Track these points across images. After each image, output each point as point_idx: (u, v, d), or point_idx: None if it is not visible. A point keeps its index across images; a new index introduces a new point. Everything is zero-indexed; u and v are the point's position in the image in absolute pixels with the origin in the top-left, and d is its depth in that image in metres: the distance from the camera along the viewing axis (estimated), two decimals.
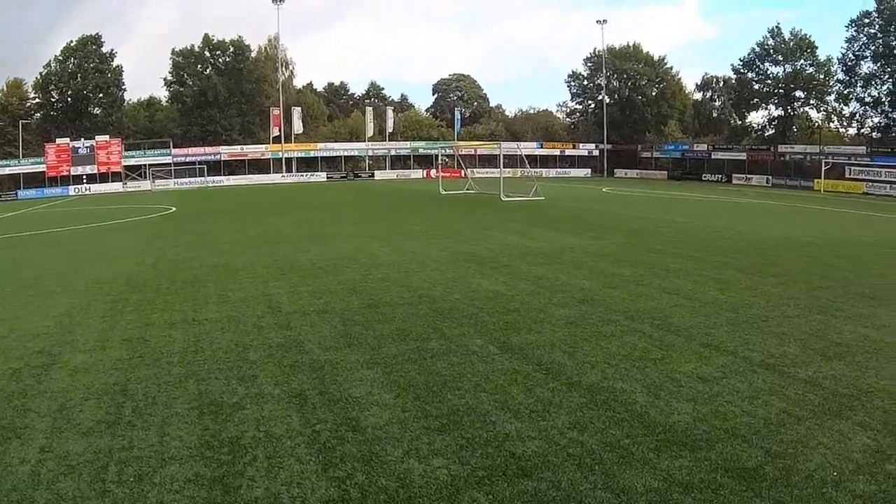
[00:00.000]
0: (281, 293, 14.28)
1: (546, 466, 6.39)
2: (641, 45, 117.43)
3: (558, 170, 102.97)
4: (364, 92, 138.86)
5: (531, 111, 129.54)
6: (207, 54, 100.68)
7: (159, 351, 10.29)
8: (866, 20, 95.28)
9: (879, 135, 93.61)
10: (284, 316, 12.26)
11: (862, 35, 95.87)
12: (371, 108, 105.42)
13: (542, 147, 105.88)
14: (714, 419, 7.51)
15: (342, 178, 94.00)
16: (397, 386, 8.51)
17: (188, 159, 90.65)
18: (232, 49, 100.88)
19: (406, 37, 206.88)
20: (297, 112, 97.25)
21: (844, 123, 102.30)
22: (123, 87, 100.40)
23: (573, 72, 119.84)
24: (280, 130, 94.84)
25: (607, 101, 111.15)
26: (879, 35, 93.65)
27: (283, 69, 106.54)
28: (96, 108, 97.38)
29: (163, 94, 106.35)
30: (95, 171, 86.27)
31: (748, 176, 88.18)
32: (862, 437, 7.09)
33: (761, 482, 6.10)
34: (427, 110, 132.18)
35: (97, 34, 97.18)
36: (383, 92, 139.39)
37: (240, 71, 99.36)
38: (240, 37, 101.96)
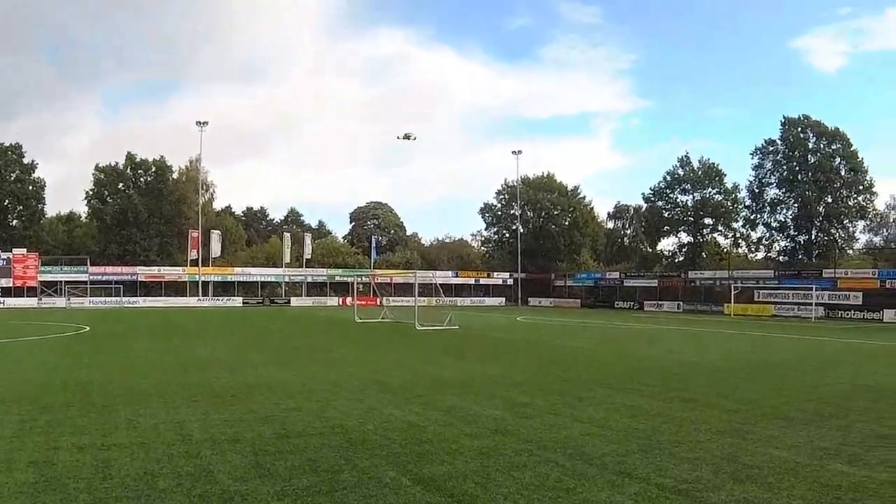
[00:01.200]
0: (192, 420, 14.07)
1: None
2: (555, 175, 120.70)
3: (473, 298, 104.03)
4: (283, 217, 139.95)
5: (447, 240, 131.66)
6: (129, 172, 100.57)
7: (66, 476, 10.04)
8: (771, 148, 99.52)
9: (786, 258, 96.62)
10: (195, 444, 12.07)
11: (767, 162, 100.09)
12: (289, 233, 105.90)
13: (457, 276, 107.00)
14: None
15: (258, 303, 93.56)
16: None
17: (105, 278, 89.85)
18: (154, 168, 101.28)
19: (325, 166, 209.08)
20: (215, 235, 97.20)
21: (752, 248, 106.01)
22: (44, 200, 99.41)
23: (486, 203, 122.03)
24: (198, 253, 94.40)
25: (521, 230, 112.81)
26: (783, 161, 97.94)
27: (204, 191, 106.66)
28: (14, 220, 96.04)
29: (83, 209, 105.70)
30: (10, 285, 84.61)
31: (660, 302, 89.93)
32: None
33: None
34: (344, 237, 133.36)
35: (17, 143, 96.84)
36: (301, 218, 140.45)
37: (160, 191, 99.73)
38: (162, 157, 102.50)
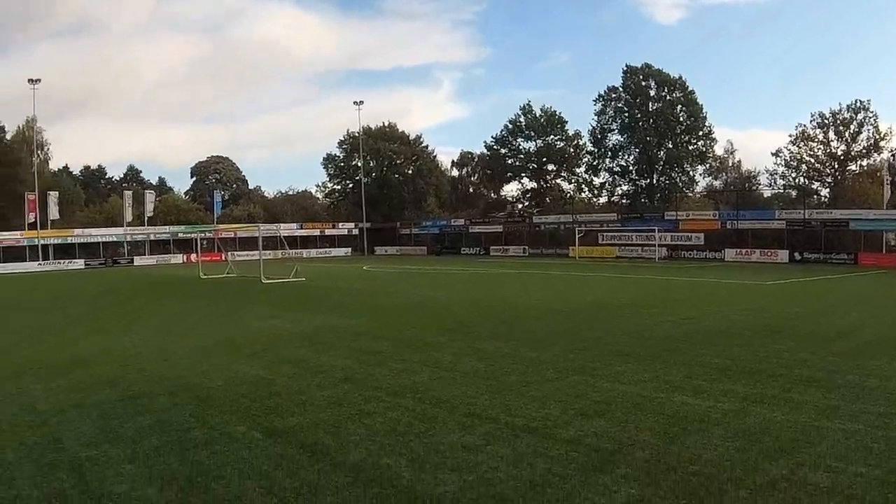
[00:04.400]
0: (36, 390, 13.77)
1: None
2: (397, 125, 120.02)
3: (319, 250, 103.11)
4: (122, 176, 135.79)
5: (291, 192, 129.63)
6: None
7: None
8: (613, 95, 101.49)
9: (629, 202, 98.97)
10: (40, 414, 11.88)
11: (609, 109, 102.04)
12: (129, 192, 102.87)
13: (301, 228, 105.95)
14: (480, 486, 8.02)
15: (101, 264, 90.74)
16: (160, 479, 8.50)
17: None
18: None
19: (163, 122, 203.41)
20: (53, 197, 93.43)
21: (595, 193, 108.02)
22: None
23: (328, 154, 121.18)
24: (36, 216, 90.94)
25: (365, 180, 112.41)
26: (625, 109, 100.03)
27: (39, 152, 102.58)
28: None
29: None
30: None
31: (505, 247, 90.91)
32: (626, 489, 7.83)
33: None
34: (186, 193, 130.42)
35: None
36: (141, 175, 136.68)
37: None
38: None
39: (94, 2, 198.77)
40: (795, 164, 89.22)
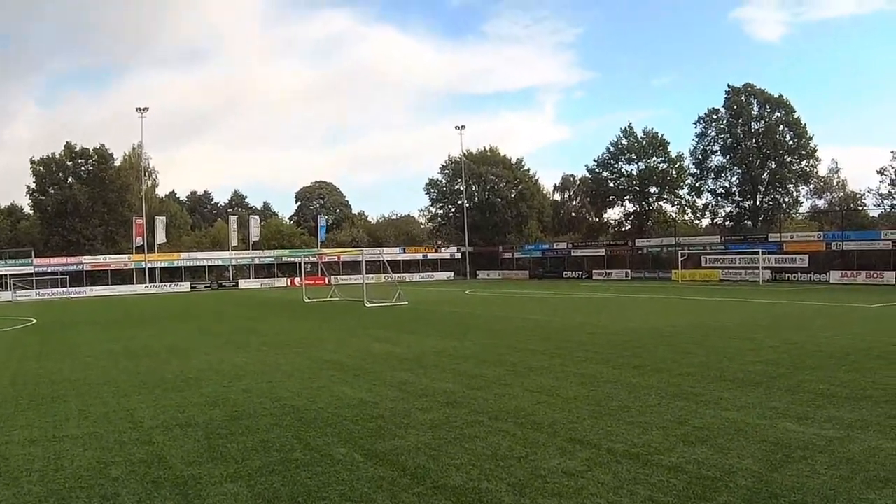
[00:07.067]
0: (143, 407, 14.02)
1: None
2: (499, 149, 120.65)
3: (422, 274, 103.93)
4: (227, 200, 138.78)
5: (393, 217, 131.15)
6: (69, 163, 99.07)
7: (19, 469, 10.00)
8: (714, 116, 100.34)
9: (731, 223, 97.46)
10: (146, 431, 12.05)
11: (711, 130, 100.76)
12: (235, 216, 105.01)
13: (404, 252, 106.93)
14: None
15: (206, 287, 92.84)
16: (262, 499, 8.44)
17: (50, 269, 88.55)
18: (95, 157, 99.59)
19: (269, 147, 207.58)
20: (160, 221, 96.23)
21: (698, 215, 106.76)
22: None
23: (430, 179, 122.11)
24: (143, 240, 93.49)
25: (467, 205, 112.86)
26: (727, 129, 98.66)
27: (147, 178, 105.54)
28: None
29: (26, 202, 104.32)
30: None
31: (608, 271, 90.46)
32: None
33: None
34: (290, 218, 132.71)
35: None
36: (246, 200, 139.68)
37: (102, 179, 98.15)
38: (102, 145, 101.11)
39: (205, 30, 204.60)
40: None
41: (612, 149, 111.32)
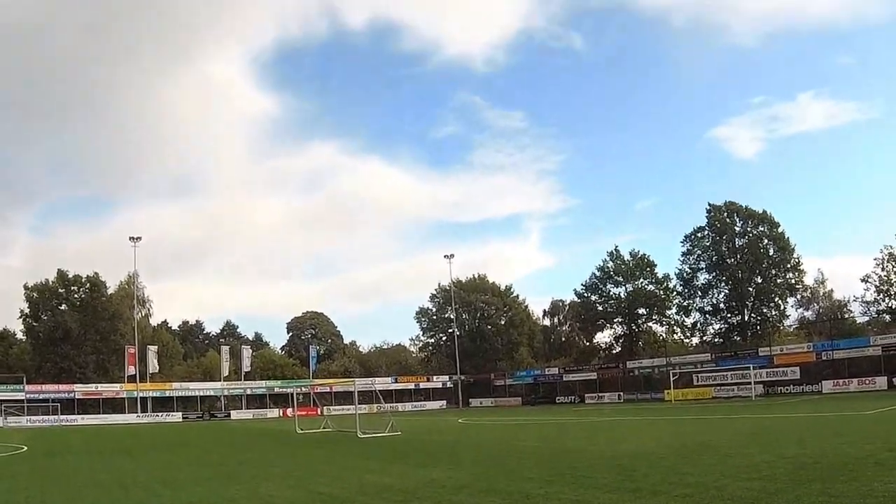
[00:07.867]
0: None
1: None
2: (487, 277, 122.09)
3: (414, 403, 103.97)
4: (219, 330, 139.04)
5: (385, 346, 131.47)
6: (62, 290, 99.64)
7: None
8: (699, 234, 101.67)
9: (721, 340, 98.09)
10: None
11: (696, 248, 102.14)
12: (227, 347, 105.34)
13: (396, 381, 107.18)
14: None
15: (198, 417, 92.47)
16: None
17: (42, 396, 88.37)
18: (87, 285, 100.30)
19: (260, 277, 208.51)
20: (152, 351, 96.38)
21: (687, 333, 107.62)
22: None
23: (421, 308, 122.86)
24: (135, 369, 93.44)
25: (457, 333, 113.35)
26: (712, 247, 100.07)
27: (140, 307, 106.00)
28: None
29: (18, 327, 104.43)
30: None
31: (600, 394, 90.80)
32: None
33: None
34: (282, 348, 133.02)
35: None
36: (238, 330, 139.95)
37: (95, 307, 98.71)
38: (96, 273, 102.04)
39: (194, 162, 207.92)
40: (885, 287, 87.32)
41: (599, 272, 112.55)
